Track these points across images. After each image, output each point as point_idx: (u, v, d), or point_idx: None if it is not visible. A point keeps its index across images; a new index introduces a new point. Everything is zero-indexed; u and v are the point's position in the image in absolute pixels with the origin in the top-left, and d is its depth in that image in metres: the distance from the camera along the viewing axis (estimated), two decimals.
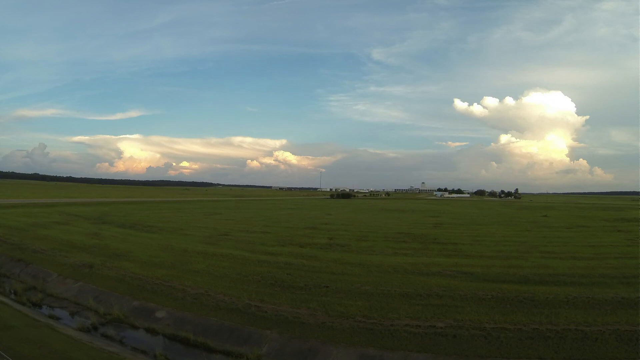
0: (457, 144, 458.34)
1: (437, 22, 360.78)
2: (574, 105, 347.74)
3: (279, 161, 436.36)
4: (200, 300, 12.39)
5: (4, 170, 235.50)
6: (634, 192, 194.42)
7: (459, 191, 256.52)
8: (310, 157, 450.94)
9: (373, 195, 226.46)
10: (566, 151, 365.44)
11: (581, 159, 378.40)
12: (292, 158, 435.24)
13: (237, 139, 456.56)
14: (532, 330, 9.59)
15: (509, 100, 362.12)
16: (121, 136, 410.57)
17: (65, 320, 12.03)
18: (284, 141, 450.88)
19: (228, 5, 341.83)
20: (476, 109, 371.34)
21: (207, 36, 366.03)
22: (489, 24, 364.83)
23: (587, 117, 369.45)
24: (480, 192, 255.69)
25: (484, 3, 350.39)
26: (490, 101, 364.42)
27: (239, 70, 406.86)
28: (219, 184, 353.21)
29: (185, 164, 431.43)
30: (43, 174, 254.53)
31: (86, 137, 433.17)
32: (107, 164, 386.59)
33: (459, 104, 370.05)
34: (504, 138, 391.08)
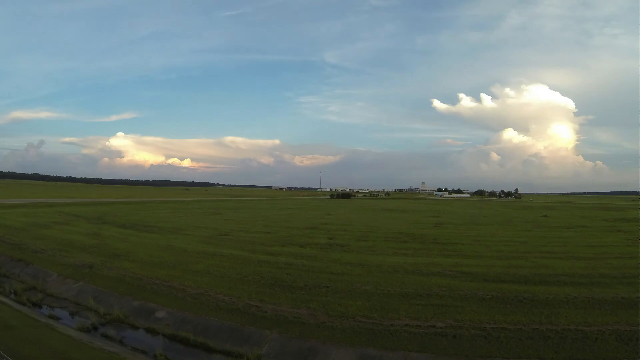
0: (458, 143, 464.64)
1: (381, 24, 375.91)
2: (572, 103, 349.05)
3: (279, 161, 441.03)
4: (200, 300, 12.38)
5: (4, 170, 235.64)
6: (634, 192, 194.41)
7: (459, 191, 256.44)
8: (309, 157, 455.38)
9: (373, 195, 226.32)
10: (566, 150, 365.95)
11: (581, 158, 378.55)
12: (291, 158, 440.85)
13: (230, 139, 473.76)
14: (532, 330, 9.58)
15: (491, 98, 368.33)
16: (118, 137, 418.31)
17: (65, 320, 12.03)
18: (276, 141, 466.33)
19: (199, 20, 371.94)
20: (459, 109, 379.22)
21: (188, 47, 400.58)
22: (434, 24, 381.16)
23: (588, 117, 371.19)
24: (480, 192, 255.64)
25: (421, 4, 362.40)
26: (471, 101, 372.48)
27: (223, 76, 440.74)
28: (219, 184, 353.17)
29: (185, 163, 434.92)
30: (43, 174, 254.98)
31: (83, 138, 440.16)
32: (106, 164, 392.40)
33: (439, 104, 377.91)
34: (499, 137, 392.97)
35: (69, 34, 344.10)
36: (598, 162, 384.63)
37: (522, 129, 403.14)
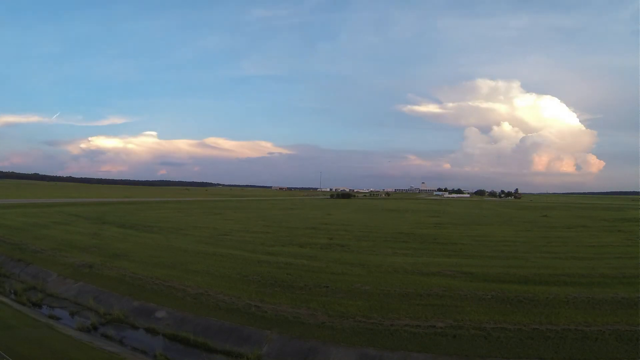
0: (454, 142, 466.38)
1: (276, 34, 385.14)
2: (568, 103, 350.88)
3: (277, 161, 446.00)
4: (200, 300, 12.38)
5: (4, 170, 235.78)
6: (634, 192, 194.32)
7: (459, 191, 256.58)
8: (307, 156, 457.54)
9: (373, 195, 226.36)
10: (566, 150, 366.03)
11: (581, 158, 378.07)
12: (288, 157, 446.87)
13: (226, 141, 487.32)
14: (532, 330, 9.58)
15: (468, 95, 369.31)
16: (117, 138, 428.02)
17: (65, 320, 12.02)
18: (273, 142, 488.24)
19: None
20: (430, 108, 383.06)
21: (161, 63, 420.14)
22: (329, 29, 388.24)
23: (588, 116, 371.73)
24: (480, 192, 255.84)
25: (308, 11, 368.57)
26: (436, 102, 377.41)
27: (201, 87, 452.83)
28: (219, 184, 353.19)
29: (184, 163, 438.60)
30: (43, 174, 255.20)
31: (81, 139, 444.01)
32: (103, 164, 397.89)
33: (409, 106, 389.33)
34: (492, 135, 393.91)
35: (65, 47, 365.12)
36: (600, 162, 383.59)
37: (519, 127, 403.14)
